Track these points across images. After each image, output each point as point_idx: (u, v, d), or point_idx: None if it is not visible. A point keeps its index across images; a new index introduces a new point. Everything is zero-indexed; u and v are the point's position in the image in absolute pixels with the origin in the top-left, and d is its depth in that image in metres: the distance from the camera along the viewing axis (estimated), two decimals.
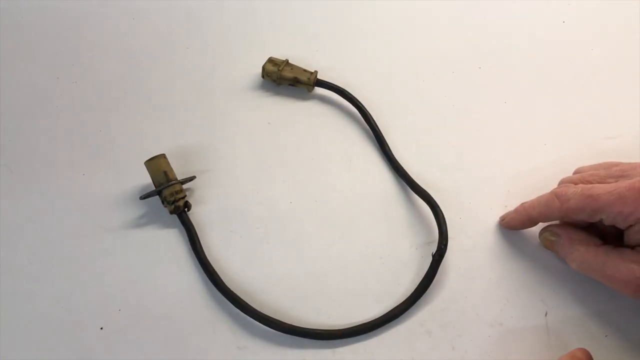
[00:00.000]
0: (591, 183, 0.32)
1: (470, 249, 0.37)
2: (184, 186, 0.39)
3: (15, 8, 0.52)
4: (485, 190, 0.40)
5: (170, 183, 0.37)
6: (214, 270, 0.35)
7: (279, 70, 0.44)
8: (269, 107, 0.45)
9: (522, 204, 0.36)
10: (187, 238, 0.37)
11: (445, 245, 0.35)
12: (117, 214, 0.39)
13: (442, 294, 0.35)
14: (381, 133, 0.42)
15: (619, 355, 0.33)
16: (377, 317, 0.34)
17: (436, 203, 0.37)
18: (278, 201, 0.40)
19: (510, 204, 0.39)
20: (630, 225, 0.30)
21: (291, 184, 0.41)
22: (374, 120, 0.43)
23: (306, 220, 0.39)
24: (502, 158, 0.42)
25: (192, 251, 0.37)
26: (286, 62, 0.45)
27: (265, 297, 0.35)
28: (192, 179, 0.40)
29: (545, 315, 0.34)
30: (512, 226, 0.37)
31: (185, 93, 0.46)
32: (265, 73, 0.45)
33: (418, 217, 0.39)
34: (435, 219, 0.36)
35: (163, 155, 0.39)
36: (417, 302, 0.34)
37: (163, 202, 0.38)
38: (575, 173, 0.37)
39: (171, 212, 0.37)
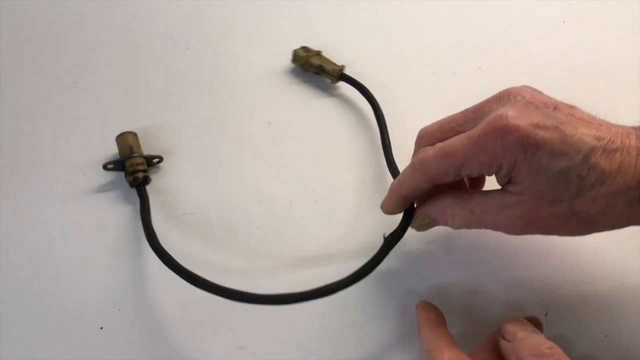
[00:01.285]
0: (449, 135, 0.30)
1: (471, 248, 0.37)
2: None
3: (15, 8, 0.52)
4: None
5: (133, 155, 0.39)
6: (157, 241, 0.34)
7: (307, 56, 0.45)
8: (277, 103, 0.46)
9: (392, 183, 0.33)
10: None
11: (403, 231, 0.32)
12: (117, 213, 0.39)
13: (442, 294, 0.35)
14: (388, 138, 0.41)
15: (619, 355, 0.33)
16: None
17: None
18: (278, 201, 0.40)
19: None
20: (496, 172, 0.28)
21: (291, 184, 0.41)
22: (385, 125, 0.41)
23: (306, 220, 0.39)
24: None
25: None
26: (318, 52, 0.46)
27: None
28: (159, 158, 0.41)
29: (545, 315, 0.34)
30: (391, 211, 0.34)
31: (185, 92, 0.46)
32: (295, 57, 0.46)
33: None
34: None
35: (132, 133, 0.41)
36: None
37: (125, 176, 0.39)
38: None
39: (130, 185, 0.39)
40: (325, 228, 0.38)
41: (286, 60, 0.48)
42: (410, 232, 0.33)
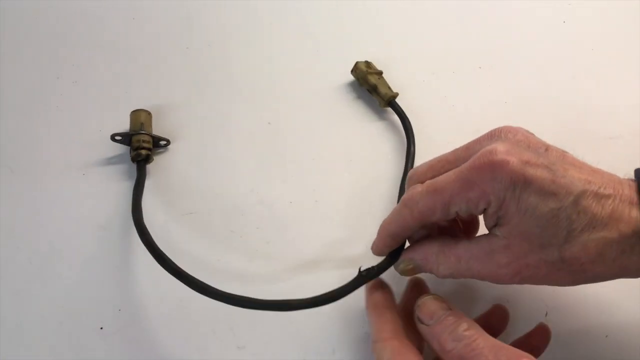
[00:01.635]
0: (440, 173, 0.28)
1: None
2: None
3: (15, 8, 0.52)
4: None
5: (141, 132, 0.40)
6: (144, 226, 0.35)
7: (367, 73, 0.45)
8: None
9: (382, 223, 0.31)
10: None
11: (379, 271, 0.30)
12: (117, 213, 0.39)
13: (442, 294, 0.35)
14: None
15: (619, 355, 0.33)
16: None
17: None
18: (278, 201, 0.40)
19: None
20: (485, 209, 0.26)
21: (291, 184, 0.41)
22: (413, 161, 0.40)
23: (306, 220, 0.39)
24: None
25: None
26: (379, 72, 0.46)
27: (266, 297, 0.35)
28: (166, 141, 0.42)
29: (545, 315, 0.34)
30: (380, 251, 0.32)
31: (185, 92, 0.46)
32: (355, 68, 0.46)
33: None
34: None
35: (147, 111, 0.42)
36: None
37: (130, 151, 0.40)
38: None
39: (132, 160, 0.40)
40: (325, 228, 0.38)
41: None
42: None
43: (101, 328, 0.34)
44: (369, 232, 0.38)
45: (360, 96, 0.46)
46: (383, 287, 0.31)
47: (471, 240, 0.28)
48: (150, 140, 0.41)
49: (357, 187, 0.41)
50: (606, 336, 0.33)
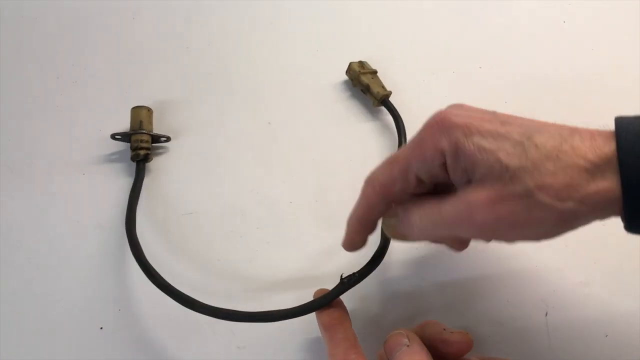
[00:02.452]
0: None
1: (471, 249, 0.37)
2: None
3: (15, 8, 0.52)
4: None
5: (141, 131, 0.40)
6: (136, 239, 0.35)
7: (360, 73, 0.45)
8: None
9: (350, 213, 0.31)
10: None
11: (361, 276, 0.31)
12: (117, 213, 0.39)
13: (442, 294, 0.35)
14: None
15: (619, 355, 0.33)
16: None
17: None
18: (278, 201, 0.40)
19: None
20: (443, 164, 0.26)
21: (291, 184, 0.41)
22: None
23: (306, 220, 0.39)
24: None
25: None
26: (373, 71, 0.46)
27: (266, 297, 0.35)
28: (167, 138, 0.42)
29: (546, 315, 0.34)
30: (353, 241, 0.31)
31: (184, 92, 0.46)
32: (348, 69, 0.46)
33: None
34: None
35: (147, 108, 0.42)
36: None
37: (130, 149, 0.40)
38: None
39: (132, 159, 0.40)
40: (325, 228, 0.38)
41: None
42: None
43: (101, 328, 0.34)
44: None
45: (354, 95, 0.47)
46: (333, 305, 0.30)
47: (451, 194, 0.27)
48: (149, 139, 0.41)
49: (357, 187, 0.41)
50: (606, 336, 0.34)
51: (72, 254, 0.37)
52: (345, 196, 0.40)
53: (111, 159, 0.42)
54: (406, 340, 0.28)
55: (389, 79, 0.46)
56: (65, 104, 0.45)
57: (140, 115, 0.42)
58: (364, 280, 0.31)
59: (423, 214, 0.27)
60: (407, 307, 0.35)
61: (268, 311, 0.30)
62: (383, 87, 0.45)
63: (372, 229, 0.30)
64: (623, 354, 0.33)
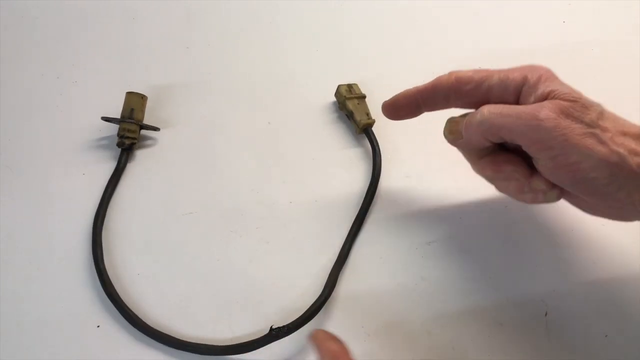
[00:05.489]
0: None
1: (471, 249, 0.37)
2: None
3: (15, 8, 0.52)
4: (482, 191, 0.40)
5: (129, 120, 0.41)
6: (99, 240, 0.36)
7: (345, 98, 0.44)
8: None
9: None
10: None
11: (290, 330, 0.32)
12: (116, 212, 0.39)
13: (442, 294, 0.35)
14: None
15: (619, 355, 0.33)
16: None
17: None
18: (278, 201, 0.40)
19: (512, 205, 0.39)
20: (518, 88, 0.30)
21: (291, 184, 0.41)
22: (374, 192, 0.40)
23: (306, 220, 0.39)
24: None
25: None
26: (360, 96, 0.44)
27: (265, 296, 0.35)
28: (155, 128, 0.42)
29: (545, 315, 0.34)
30: (394, 102, 0.34)
31: (184, 92, 0.46)
32: (337, 92, 0.45)
33: (417, 216, 0.39)
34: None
35: (142, 95, 0.42)
36: None
37: (117, 136, 0.41)
38: None
39: (117, 145, 0.41)
40: (325, 228, 0.38)
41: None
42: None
43: (98, 326, 0.34)
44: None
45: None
46: (334, 337, 0.28)
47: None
48: (137, 129, 0.41)
49: (357, 187, 0.41)
50: (606, 336, 0.34)
51: (72, 253, 0.37)
52: (346, 196, 0.40)
53: (111, 159, 0.42)
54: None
55: (391, 80, 0.46)
56: (65, 103, 0.45)
57: (132, 102, 0.42)
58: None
59: (493, 107, 0.29)
60: (407, 307, 0.35)
61: (205, 344, 0.32)
62: (368, 114, 0.43)
63: (416, 107, 0.33)
64: (623, 354, 0.33)
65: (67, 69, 0.47)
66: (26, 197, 0.39)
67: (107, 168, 0.41)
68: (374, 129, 0.43)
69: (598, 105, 0.28)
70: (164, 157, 0.42)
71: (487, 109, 0.29)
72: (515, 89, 0.30)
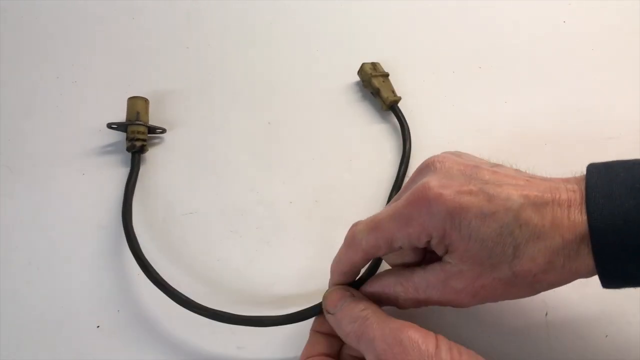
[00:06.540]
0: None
1: None
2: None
3: (15, 8, 0.52)
4: None
5: (137, 122, 0.41)
6: (133, 232, 0.36)
7: (371, 75, 0.44)
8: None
9: (332, 262, 0.31)
10: None
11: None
12: (117, 214, 0.39)
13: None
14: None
15: (619, 355, 0.33)
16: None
17: None
18: (278, 201, 0.40)
19: None
20: (428, 241, 0.26)
21: (291, 184, 0.41)
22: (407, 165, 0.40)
23: (306, 220, 0.39)
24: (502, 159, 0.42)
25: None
26: (385, 74, 0.45)
27: (265, 297, 0.35)
28: (162, 130, 0.42)
29: (545, 315, 0.34)
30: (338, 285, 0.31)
31: (185, 92, 0.46)
32: (360, 70, 0.45)
33: None
34: None
35: (144, 99, 0.42)
36: None
37: (126, 140, 0.41)
38: None
39: (127, 149, 0.40)
40: (325, 229, 0.38)
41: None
42: None
43: (98, 326, 0.34)
44: None
45: (365, 96, 0.46)
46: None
47: (426, 269, 0.28)
48: (146, 130, 0.41)
49: (357, 187, 0.41)
50: (606, 336, 0.33)
51: (71, 253, 0.37)
52: (346, 196, 0.40)
53: (111, 159, 0.42)
54: (349, 292, 0.29)
55: (391, 80, 0.46)
56: (65, 103, 0.45)
57: (137, 105, 0.42)
58: None
59: (406, 295, 0.29)
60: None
61: (258, 316, 0.31)
62: (393, 92, 0.44)
63: (355, 276, 0.31)
64: (623, 354, 0.33)
65: (67, 69, 0.47)
66: (26, 197, 0.39)
67: (107, 168, 0.41)
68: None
69: None
70: (164, 158, 0.42)
71: (404, 300, 0.29)
72: (425, 243, 0.27)
